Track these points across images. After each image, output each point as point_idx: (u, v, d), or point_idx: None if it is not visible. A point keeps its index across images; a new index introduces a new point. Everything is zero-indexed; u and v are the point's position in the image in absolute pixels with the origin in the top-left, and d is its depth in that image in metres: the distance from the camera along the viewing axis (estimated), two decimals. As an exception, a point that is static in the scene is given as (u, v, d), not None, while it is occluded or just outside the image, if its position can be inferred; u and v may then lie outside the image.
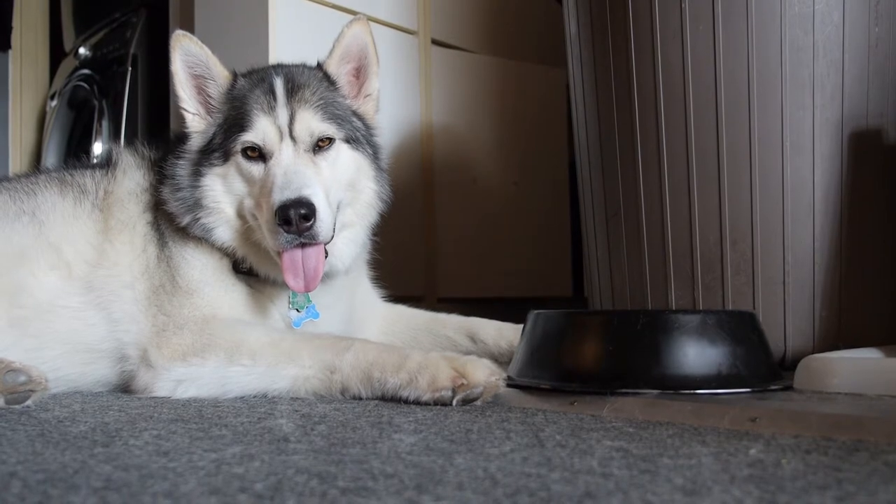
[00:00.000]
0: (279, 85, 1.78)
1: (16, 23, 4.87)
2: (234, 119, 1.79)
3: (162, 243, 1.83)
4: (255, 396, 1.64)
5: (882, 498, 0.81)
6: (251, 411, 1.45)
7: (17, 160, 4.85)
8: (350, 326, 1.99)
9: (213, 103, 1.85)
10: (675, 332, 1.50)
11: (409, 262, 3.15)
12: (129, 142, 2.57)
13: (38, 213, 1.84)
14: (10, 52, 4.86)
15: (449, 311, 2.26)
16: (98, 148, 3.83)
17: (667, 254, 2.03)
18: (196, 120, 1.86)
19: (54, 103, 4.42)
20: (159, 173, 1.88)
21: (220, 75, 1.84)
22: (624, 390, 1.46)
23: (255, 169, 1.75)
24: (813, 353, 1.76)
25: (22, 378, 1.52)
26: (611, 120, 2.14)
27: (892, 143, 1.94)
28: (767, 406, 1.31)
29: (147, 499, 0.83)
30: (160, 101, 3.64)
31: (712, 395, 1.46)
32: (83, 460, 1.03)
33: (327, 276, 1.78)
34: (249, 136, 1.75)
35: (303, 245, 1.67)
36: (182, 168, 1.82)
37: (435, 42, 3.32)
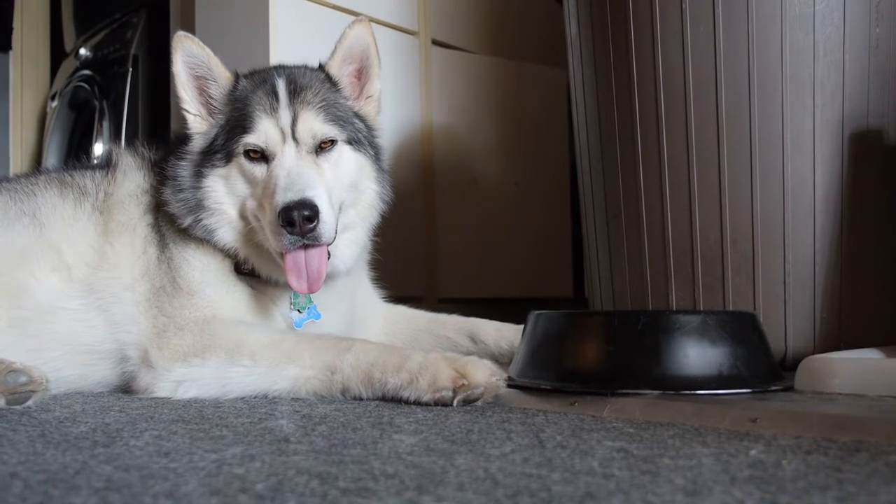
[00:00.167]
0: (281, 86, 1.78)
1: (16, 23, 4.87)
2: (236, 120, 1.79)
3: (162, 245, 1.83)
4: (255, 397, 1.64)
5: (883, 499, 0.81)
6: (252, 412, 1.45)
7: (18, 161, 4.86)
8: (351, 327, 1.99)
9: (214, 104, 1.85)
10: (675, 333, 1.50)
11: (410, 263, 3.15)
12: (130, 143, 2.58)
13: (38, 214, 1.84)
14: (11, 52, 4.87)
15: (449, 311, 2.26)
16: (99, 148, 3.83)
17: (667, 254, 2.03)
18: (197, 121, 1.86)
19: (55, 104, 4.42)
20: (160, 175, 1.88)
21: (221, 76, 1.84)
22: (625, 391, 1.46)
23: (258, 170, 1.75)
24: (814, 353, 1.76)
25: (23, 379, 1.52)
26: (611, 120, 2.14)
27: (892, 144, 1.94)
28: (768, 407, 1.31)
29: (148, 499, 0.83)
30: (161, 102, 3.64)
31: (713, 395, 1.46)
32: (84, 461, 1.03)
33: (329, 277, 1.78)
34: (252, 138, 1.75)
35: (306, 246, 1.67)
36: (184, 169, 1.82)
37: (435, 42, 3.32)
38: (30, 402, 1.53)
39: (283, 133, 1.75)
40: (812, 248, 1.91)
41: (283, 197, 1.65)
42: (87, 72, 4.14)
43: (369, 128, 1.91)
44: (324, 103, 1.80)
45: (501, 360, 1.90)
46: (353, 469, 0.96)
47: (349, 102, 1.90)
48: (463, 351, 2.07)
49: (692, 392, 1.46)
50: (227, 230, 1.79)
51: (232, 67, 1.87)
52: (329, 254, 1.74)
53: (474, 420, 1.33)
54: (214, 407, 1.53)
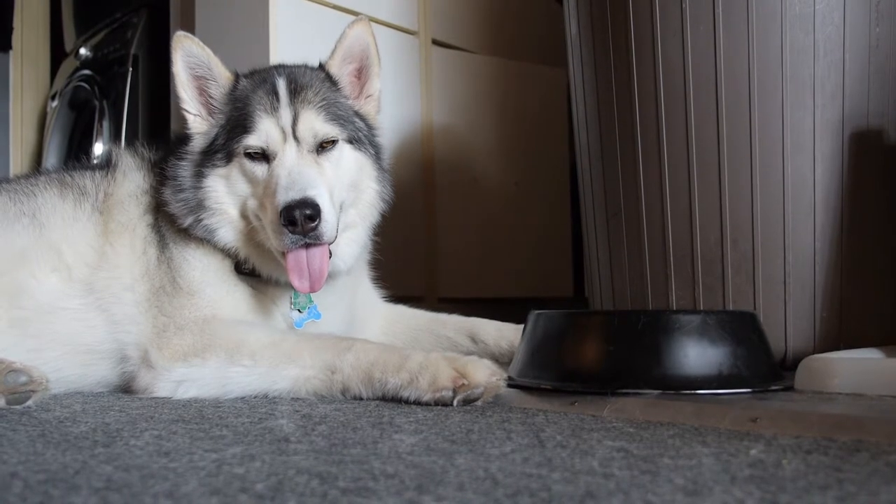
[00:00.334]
0: (282, 86, 1.78)
1: (17, 23, 4.87)
2: (236, 120, 1.79)
3: (162, 245, 1.83)
4: (255, 397, 1.64)
5: (883, 498, 0.81)
6: (252, 412, 1.45)
7: (18, 161, 4.86)
8: (351, 327, 1.99)
9: (214, 104, 1.85)
10: (675, 333, 1.50)
11: (410, 262, 3.15)
12: (130, 143, 2.58)
13: (38, 214, 1.84)
14: (11, 52, 4.87)
15: (450, 311, 2.26)
16: (99, 148, 3.83)
17: (667, 254, 2.03)
18: (198, 121, 1.86)
19: (55, 104, 4.42)
20: (160, 175, 1.88)
21: (221, 76, 1.84)
22: (625, 391, 1.46)
23: (259, 170, 1.75)
24: (814, 353, 1.76)
25: (23, 378, 1.52)
26: (611, 120, 2.14)
27: (892, 144, 1.94)
28: (768, 406, 1.31)
29: (148, 499, 0.83)
30: (161, 102, 3.64)
31: (713, 395, 1.46)
32: (84, 461, 1.03)
33: (329, 277, 1.78)
34: (253, 138, 1.75)
35: (307, 246, 1.67)
36: (184, 169, 1.82)
37: (435, 42, 3.32)
38: (30, 402, 1.53)
39: (283, 132, 1.75)
40: (812, 247, 1.91)
41: (284, 196, 1.65)
42: (87, 72, 4.14)
43: (370, 127, 1.91)
44: (324, 102, 1.80)
45: (501, 360, 1.90)
46: (353, 469, 0.96)
47: (349, 102, 1.90)
48: (463, 351, 2.07)
49: (692, 392, 1.46)
50: (227, 230, 1.79)
51: (232, 67, 1.87)
52: (330, 253, 1.74)
53: (474, 420, 1.33)
54: (214, 407, 1.53)
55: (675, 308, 2.01)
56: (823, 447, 1.06)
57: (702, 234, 1.97)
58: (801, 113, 1.89)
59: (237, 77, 1.85)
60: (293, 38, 2.73)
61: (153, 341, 1.71)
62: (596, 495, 0.82)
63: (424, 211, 3.24)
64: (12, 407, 1.51)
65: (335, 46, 1.89)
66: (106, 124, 3.90)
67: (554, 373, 1.59)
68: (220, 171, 1.79)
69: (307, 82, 1.81)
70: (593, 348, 1.58)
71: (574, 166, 2.52)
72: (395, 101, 3.12)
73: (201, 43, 1.83)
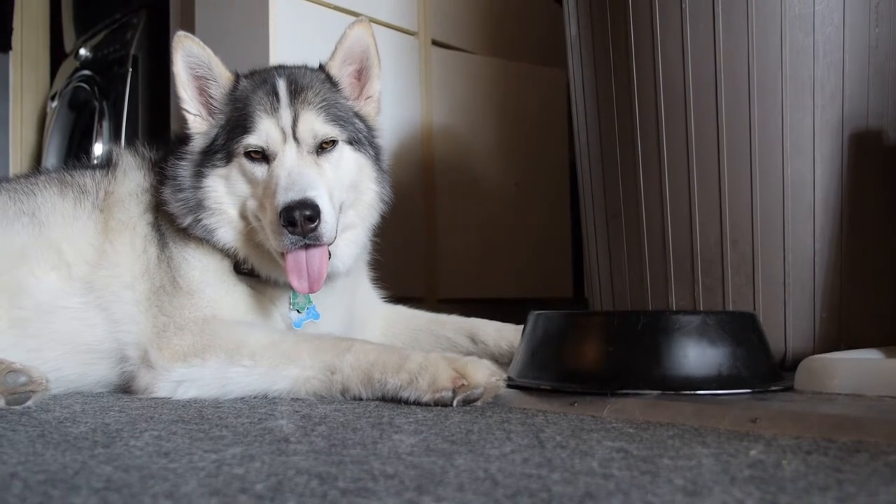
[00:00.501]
0: (282, 86, 1.78)
1: (16, 24, 4.87)
2: (236, 120, 1.79)
3: (162, 244, 1.83)
4: (255, 397, 1.64)
5: (883, 499, 0.81)
6: (252, 412, 1.45)
7: (18, 161, 4.86)
8: (350, 327, 1.99)
9: (214, 104, 1.85)
10: (675, 333, 1.50)
11: (410, 263, 3.15)
12: (130, 143, 2.58)
13: (38, 213, 1.84)
14: (11, 53, 4.87)
15: (449, 311, 2.26)
16: (98, 149, 3.83)
17: (667, 254, 2.03)
18: (198, 121, 1.86)
19: (55, 104, 4.42)
20: (160, 174, 1.88)
21: (222, 76, 1.84)
22: (624, 391, 1.46)
23: (259, 170, 1.75)
24: (813, 353, 1.76)
25: (22, 379, 1.52)
26: (611, 121, 2.14)
27: (892, 144, 1.94)
28: (768, 407, 1.31)
29: (147, 499, 0.83)
30: (161, 103, 3.64)
31: (713, 395, 1.46)
32: (84, 461, 1.03)
33: (328, 277, 1.78)
34: (253, 139, 1.75)
35: (307, 246, 1.67)
36: (184, 169, 1.82)
37: (435, 43, 3.32)
38: (30, 403, 1.53)
39: (283, 133, 1.75)
40: (812, 248, 1.91)
41: (284, 197, 1.65)
42: (86, 72, 4.14)
43: (369, 128, 1.91)
44: (324, 103, 1.80)
45: (501, 361, 1.90)
46: (352, 469, 0.96)
47: (349, 102, 1.90)
48: (463, 351, 2.07)
49: (692, 392, 1.46)
50: (227, 230, 1.79)
51: (232, 67, 1.87)
52: (329, 254, 1.74)
53: (474, 420, 1.33)
54: (214, 407, 1.53)
55: (674, 308, 2.01)
56: (823, 448, 1.06)
57: (701, 235, 1.97)
58: (801, 113, 1.89)
59: (237, 77, 1.85)
60: (293, 38, 2.73)
61: (153, 341, 1.71)
62: (596, 496, 0.82)
63: (424, 211, 3.24)
64: (12, 407, 1.51)
65: (335, 47, 1.89)
66: (106, 125, 3.90)
67: (554, 373, 1.59)
68: (220, 171, 1.79)
69: (307, 83, 1.81)
70: (593, 349, 1.58)
71: (574, 167, 2.52)
72: (395, 101, 3.12)
73: (202, 43, 1.83)
